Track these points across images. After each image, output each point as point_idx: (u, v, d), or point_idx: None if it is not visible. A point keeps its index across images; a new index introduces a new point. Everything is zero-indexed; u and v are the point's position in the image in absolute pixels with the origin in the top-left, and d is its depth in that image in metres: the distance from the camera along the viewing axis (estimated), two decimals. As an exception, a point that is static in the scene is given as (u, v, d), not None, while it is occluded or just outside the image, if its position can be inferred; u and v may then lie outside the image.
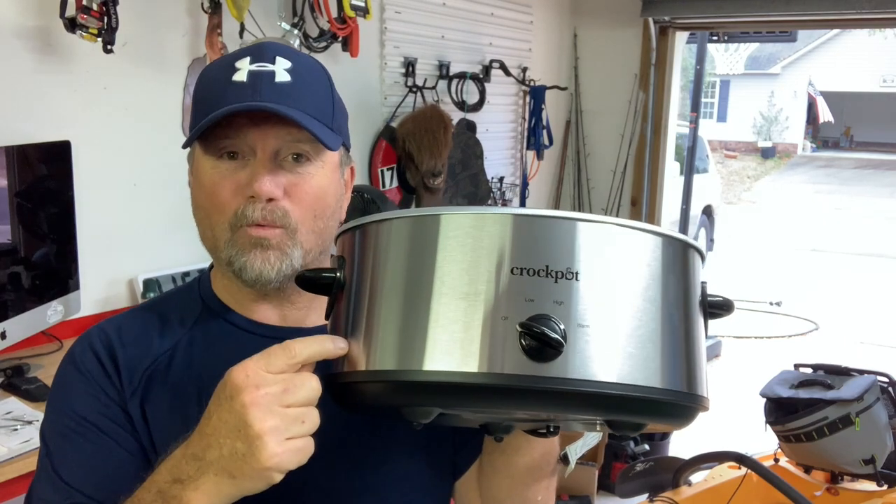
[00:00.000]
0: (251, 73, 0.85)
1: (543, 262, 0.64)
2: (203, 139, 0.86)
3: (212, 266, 0.98)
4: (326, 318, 0.75)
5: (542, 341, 0.61)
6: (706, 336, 0.75)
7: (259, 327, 0.92)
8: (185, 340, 0.91)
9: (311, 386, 0.69)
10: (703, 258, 0.74)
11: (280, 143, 0.85)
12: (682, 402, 0.69)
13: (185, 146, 0.89)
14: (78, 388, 0.88)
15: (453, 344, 0.63)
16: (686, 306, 0.71)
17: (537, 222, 0.65)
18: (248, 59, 0.87)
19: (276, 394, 0.68)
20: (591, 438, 3.00)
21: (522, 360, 0.62)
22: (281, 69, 0.86)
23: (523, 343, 0.62)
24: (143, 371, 0.89)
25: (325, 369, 0.72)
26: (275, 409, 0.67)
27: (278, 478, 0.68)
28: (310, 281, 0.75)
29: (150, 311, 0.96)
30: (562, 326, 0.62)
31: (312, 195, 0.88)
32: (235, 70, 0.86)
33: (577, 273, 0.64)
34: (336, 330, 0.73)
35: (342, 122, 0.93)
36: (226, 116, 0.83)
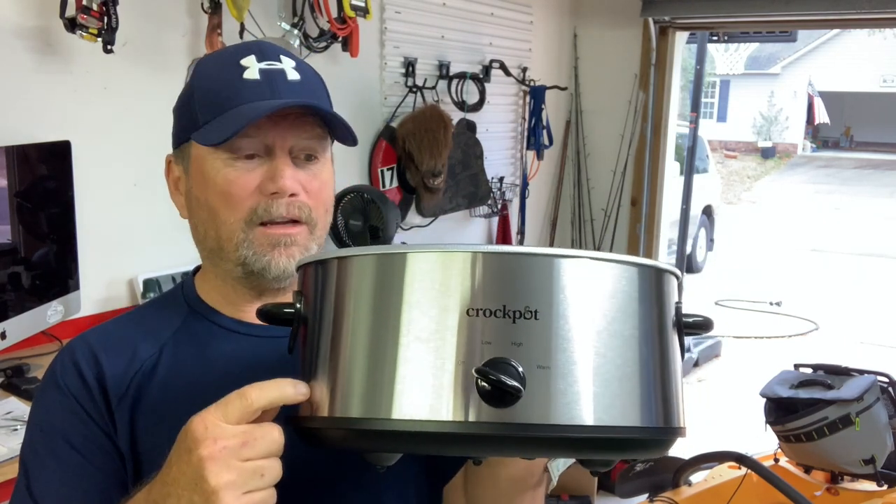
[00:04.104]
0: (263, 72, 0.86)
1: (500, 301, 0.61)
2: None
3: (195, 270, 0.97)
4: (290, 352, 0.73)
5: (497, 387, 0.59)
6: (682, 357, 0.72)
7: (246, 327, 0.91)
8: (171, 344, 0.90)
9: (272, 438, 0.67)
10: (677, 279, 0.72)
11: (296, 141, 0.87)
12: (653, 438, 0.66)
13: (217, 144, 0.84)
14: (55, 405, 0.87)
15: (417, 391, 0.61)
16: (658, 334, 0.68)
17: (493, 259, 0.63)
18: (252, 56, 0.87)
19: (234, 447, 0.66)
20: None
21: (483, 406, 0.60)
22: (289, 67, 0.87)
23: (481, 388, 0.60)
24: (131, 377, 0.88)
25: (291, 410, 0.70)
26: (232, 463, 0.65)
27: None
28: (271, 315, 0.73)
29: (133, 318, 0.95)
30: (520, 369, 0.60)
31: (323, 191, 0.90)
32: (244, 68, 0.86)
33: (535, 311, 0.61)
34: (301, 368, 0.71)
35: None
36: (271, 112, 0.82)
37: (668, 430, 0.67)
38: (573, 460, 3.16)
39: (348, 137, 0.88)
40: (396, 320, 0.63)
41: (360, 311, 0.65)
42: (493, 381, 0.59)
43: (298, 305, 0.71)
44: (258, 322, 0.90)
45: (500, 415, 0.60)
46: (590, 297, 0.64)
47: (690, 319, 0.72)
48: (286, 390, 0.68)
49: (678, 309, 0.71)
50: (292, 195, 0.86)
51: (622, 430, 0.63)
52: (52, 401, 0.88)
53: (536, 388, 0.60)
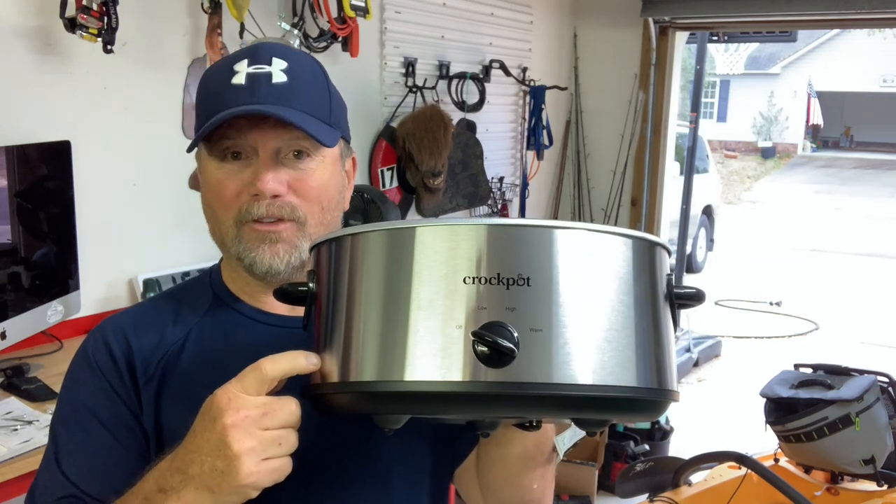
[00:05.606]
0: (249, 76, 0.88)
1: (495, 270, 0.66)
2: (207, 141, 0.89)
3: (222, 258, 1.00)
4: (304, 328, 0.77)
5: (493, 348, 0.63)
6: (676, 328, 0.75)
7: (268, 317, 0.95)
8: (197, 330, 0.95)
9: (290, 410, 0.73)
10: (668, 252, 0.75)
11: (280, 141, 0.88)
12: (646, 398, 0.69)
13: (189, 150, 0.92)
14: (86, 381, 0.92)
15: (422, 355, 0.65)
16: (650, 301, 0.71)
17: (487, 231, 0.67)
18: (245, 61, 0.89)
19: (255, 417, 0.71)
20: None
21: (483, 368, 0.64)
22: (277, 70, 0.89)
23: (477, 350, 0.64)
24: (158, 359, 0.92)
25: (306, 379, 0.74)
26: (253, 431, 0.71)
27: (254, 494, 0.73)
28: (286, 294, 0.77)
29: (163, 302, 0.99)
30: (514, 332, 0.64)
31: (316, 189, 0.91)
32: (234, 73, 0.89)
33: (528, 279, 0.66)
34: (315, 341, 0.75)
35: (340, 115, 0.95)
36: (227, 119, 0.85)
37: (661, 392, 0.70)
38: (579, 436, 3.18)
39: (320, 139, 0.88)
40: (406, 290, 0.67)
41: (371, 283, 0.69)
42: (488, 342, 0.63)
43: (311, 284, 0.76)
44: (279, 312, 0.95)
45: (497, 374, 0.64)
46: (579, 265, 0.67)
47: (682, 291, 0.75)
48: (298, 361, 0.73)
49: (669, 280, 0.74)
50: (275, 196, 0.88)
51: (616, 390, 0.67)
52: (83, 376, 0.92)
53: (530, 350, 0.64)
